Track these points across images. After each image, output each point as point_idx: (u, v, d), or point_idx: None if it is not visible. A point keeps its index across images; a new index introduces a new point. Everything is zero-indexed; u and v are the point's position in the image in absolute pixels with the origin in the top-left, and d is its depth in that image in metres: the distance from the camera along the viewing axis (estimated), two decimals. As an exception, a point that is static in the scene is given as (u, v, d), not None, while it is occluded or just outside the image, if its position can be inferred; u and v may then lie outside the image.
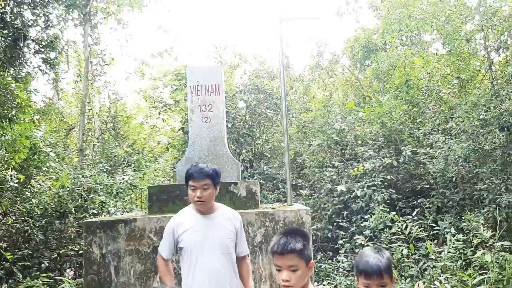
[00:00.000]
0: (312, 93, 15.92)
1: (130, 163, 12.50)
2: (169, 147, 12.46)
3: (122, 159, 12.68)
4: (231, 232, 3.06)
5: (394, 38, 12.98)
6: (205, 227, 3.00)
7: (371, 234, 7.03)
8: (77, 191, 7.82)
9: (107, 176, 9.72)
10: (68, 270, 7.32)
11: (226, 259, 3.01)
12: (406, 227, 6.32)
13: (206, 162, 3.16)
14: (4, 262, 6.13)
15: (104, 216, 7.46)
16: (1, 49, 8.63)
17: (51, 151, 7.77)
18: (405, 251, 6.03)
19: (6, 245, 6.56)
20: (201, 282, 2.94)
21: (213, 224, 3.03)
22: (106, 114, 15.39)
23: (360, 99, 12.54)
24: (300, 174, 11.26)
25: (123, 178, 9.59)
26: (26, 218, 7.05)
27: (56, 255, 6.85)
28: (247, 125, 10.93)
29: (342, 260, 7.02)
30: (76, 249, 6.98)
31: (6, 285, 5.79)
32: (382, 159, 8.45)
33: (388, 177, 8.20)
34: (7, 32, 9.10)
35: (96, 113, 15.19)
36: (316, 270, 6.96)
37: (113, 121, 14.92)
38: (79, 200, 7.75)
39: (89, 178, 8.57)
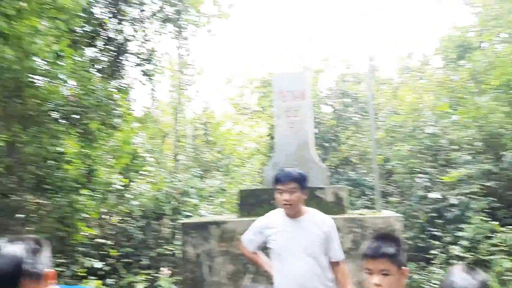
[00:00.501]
0: (401, 96, 15.30)
1: (219, 168, 12.98)
2: (256, 152, 12.75)
3: (212, 164, 13.21)
4: (318, 236, 3.04)
5: (492, 36, 12.05)
6: (293, 230, 3.05)
7: (469, 245, 6.60)
8: (172, 194, 8.31)
9: (199, 180, 10.19)
10: (164, 269, 7.80)
11: (314, 263, 3.01)
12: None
13: (293, 167, 3.22)
14: (108, 259, 6.72)
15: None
16: (106, 63, 9.46)
17: (149, 157, 8.35)
18: (507, 264, 5.59)
19: (111, 243, 7.17)
20: (289, 284, 3.00)
21: (301, 227, 3.06)
22: (198, 121, 16.14)
23: (454, 102, 11.81)
24: (389, 181, 10.88)
25: (213, 182, 9.98)
26: (127, 218, 7.65)
27: (155, 254, 7.33)
28: (333, 130, 10.84)
29: (436, 271, 6.67)
30: (171, 249, 7.41)
31: (113, 280, 6.33)
32: (480, 165, 7.91)
33: (487, 184, 7.65)
34: (110, 47, 9.96)
35: (189, 120, 15.99)
36: (408, 281, 6.69)
37: (204, 128, 15.60)
38: (174, 202, 8.22)
39: (183, 182, 9.05)
